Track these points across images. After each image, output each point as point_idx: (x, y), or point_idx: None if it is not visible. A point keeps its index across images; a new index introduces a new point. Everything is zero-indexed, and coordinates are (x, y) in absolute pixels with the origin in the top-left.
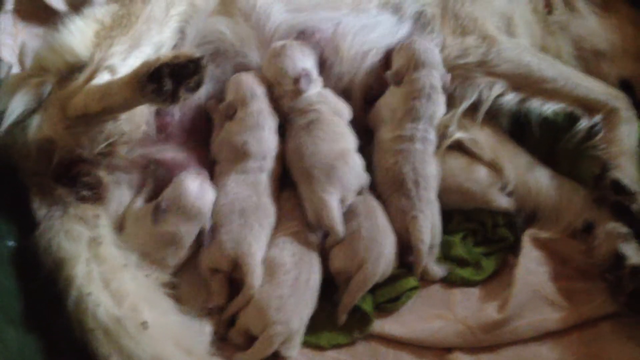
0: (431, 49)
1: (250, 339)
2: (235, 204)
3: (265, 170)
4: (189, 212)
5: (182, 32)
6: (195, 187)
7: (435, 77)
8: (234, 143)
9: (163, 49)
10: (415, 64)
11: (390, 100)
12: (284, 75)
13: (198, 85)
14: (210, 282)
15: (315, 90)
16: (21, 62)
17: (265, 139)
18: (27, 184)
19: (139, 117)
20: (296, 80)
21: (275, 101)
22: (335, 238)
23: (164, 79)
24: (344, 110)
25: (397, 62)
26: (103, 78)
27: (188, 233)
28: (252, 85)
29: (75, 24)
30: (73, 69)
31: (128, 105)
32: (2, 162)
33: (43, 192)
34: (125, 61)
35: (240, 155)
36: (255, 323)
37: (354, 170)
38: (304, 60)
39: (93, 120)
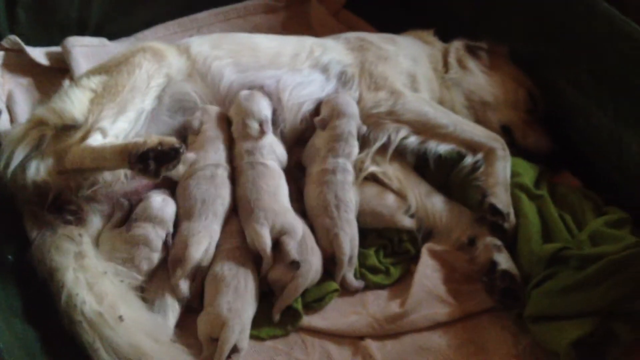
0: (350, 102)
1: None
2: (194, 196)
3: (221, 167)
4: (154, 219)
5: (159, 99)
6: (159, 200)
7: (352, 125)
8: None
9: (144, 114)
10: (337, 113)
11: (317, 142)
12: (251, 117)
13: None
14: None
15: (270, 137)
16: (9, 108)
17: (221, 148)
18: (21, 210)
19: (121, 170)
20: (260, 124)
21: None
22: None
23: (149, 161)
24: (284, 158)
25: (323, 112)
26: (96, 138)
27: (156, 236)
28: (215, 115)
29: (74, 92)
30: (69, 128)
31: (116, 169)
32: (1, 194)
33: (35, 217)
34: (114, 124)
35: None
36: (215, 326)
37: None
38: (267, 109)
39: (84, 173)
